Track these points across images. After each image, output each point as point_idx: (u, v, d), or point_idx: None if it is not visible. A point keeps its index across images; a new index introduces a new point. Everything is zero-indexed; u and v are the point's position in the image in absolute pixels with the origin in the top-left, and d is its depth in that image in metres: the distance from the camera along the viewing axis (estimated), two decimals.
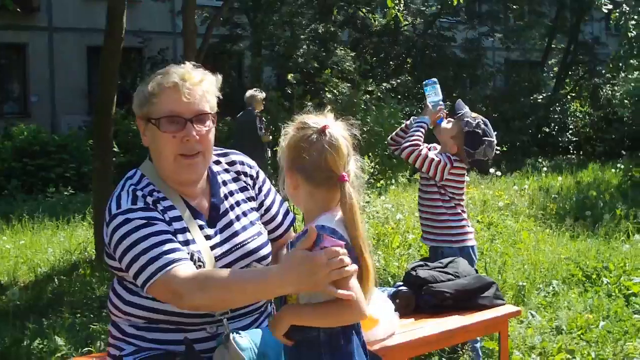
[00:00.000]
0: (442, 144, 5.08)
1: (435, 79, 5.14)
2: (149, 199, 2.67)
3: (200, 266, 2.61)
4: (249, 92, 12.47)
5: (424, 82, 5.14)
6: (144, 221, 2.58)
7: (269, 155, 12.16)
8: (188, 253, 2.60)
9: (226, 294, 2.41)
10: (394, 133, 5.29)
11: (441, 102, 5.07)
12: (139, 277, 2.52)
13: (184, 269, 2.47)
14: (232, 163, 2.98)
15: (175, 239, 2.58)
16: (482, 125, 4.94)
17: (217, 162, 2.94)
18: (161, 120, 2.65)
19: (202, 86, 2.71)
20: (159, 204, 2.68)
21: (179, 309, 2.54)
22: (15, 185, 14.98)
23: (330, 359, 2.34)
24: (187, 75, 2.69)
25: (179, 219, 2.69)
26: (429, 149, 5.02)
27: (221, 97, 2.82)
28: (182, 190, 2.77)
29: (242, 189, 2.93)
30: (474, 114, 5.00)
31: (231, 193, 2.90)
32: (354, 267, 2.28)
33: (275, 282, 2.31)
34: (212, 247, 2.71)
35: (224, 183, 2.91)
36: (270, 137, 12.24)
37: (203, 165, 2.77)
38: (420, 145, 4.89)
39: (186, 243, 2.64)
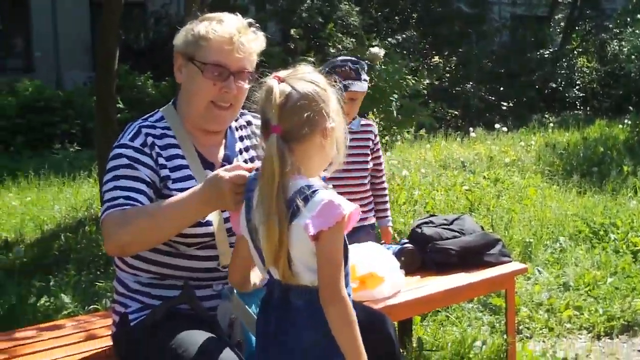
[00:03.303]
0: (355, 107, 4.36)
1: None
2: (150, 140, 2.69)
3: None
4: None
5: None
6: (129, 162, 2.61)
7: None
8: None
9: (148, 221, 2.45)
10: None
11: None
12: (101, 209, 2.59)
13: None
14: (249, 123, 3.02)
15: (145, 189, 2.59)
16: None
17: (236, 119, 2.98)
18: (207, 66, 2.68)
19: (253, 45, 2.75)
20: (163, 150, 2.70)
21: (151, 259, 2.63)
22: (21, 142, 14.87)
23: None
24: (244, 30, 2.72)
25: (184, 167, 2.71)
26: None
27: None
28: (198, 135, 2.80)
29: (254, 147, 2.95)
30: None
31: (247, 149, 2.94)
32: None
33: (193, 199, 2.42)
34: None
35: (241, 139, 2.96)
36: None
37: (230, 118, 2.83)
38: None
39: (186, 189, 2.63)
